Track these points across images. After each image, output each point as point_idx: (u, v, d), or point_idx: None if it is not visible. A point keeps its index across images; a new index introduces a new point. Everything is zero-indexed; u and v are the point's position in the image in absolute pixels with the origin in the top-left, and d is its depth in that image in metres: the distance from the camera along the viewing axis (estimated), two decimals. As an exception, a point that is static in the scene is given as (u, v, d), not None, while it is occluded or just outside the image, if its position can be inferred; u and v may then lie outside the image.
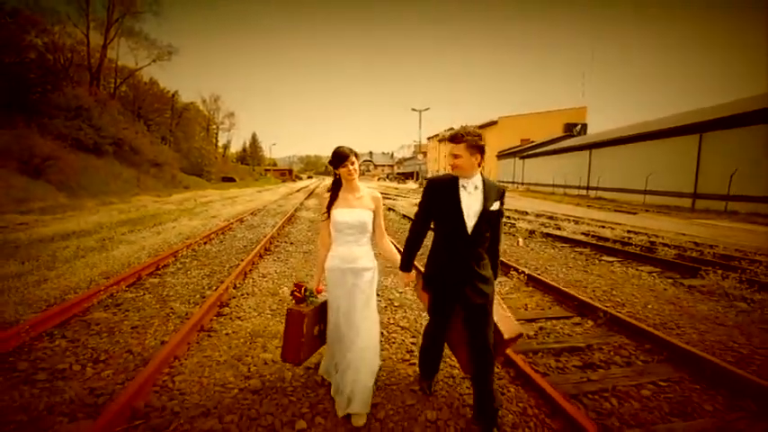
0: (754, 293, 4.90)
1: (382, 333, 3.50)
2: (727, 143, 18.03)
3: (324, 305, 2.56)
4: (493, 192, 2.20)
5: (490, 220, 2.20)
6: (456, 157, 2.13)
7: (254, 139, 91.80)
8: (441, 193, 2.21)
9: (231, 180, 52.48)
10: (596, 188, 27.72)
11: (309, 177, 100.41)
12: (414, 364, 3.05)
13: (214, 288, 4.97)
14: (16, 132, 22.60)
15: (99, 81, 37.05)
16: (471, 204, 2.15)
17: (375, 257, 2.54)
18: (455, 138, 2.14)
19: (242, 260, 6.40)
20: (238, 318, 4.02)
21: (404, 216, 13.27)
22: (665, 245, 8.10)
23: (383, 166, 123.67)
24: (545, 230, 9.98)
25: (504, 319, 2.40)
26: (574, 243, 8.53)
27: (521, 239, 8.90)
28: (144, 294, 4.75)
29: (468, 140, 2.10)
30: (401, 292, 4.88)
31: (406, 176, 79.20)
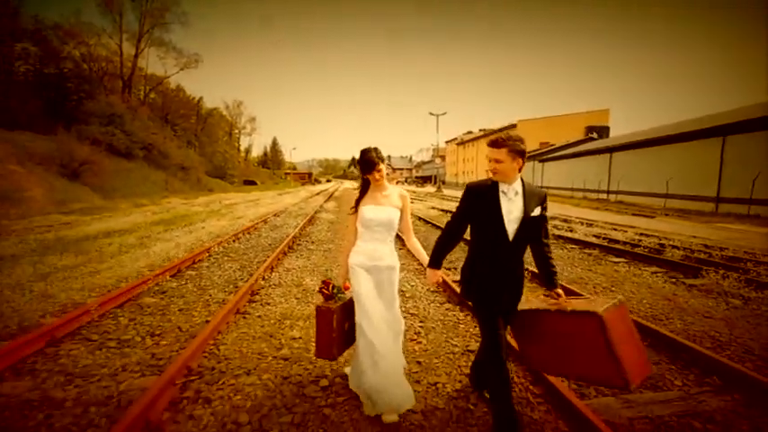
0: (750, 292, 5.14)
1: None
2: (750, 147, 17.72)
3: (352, 301, 2.57)
4: (534, 197, 2.16)
5: (532, 226, 2.16)
6: (497, 162, 2.08)
7: (274, 144, 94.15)
8: (480, 199, 2.16)
9: (253, 183, 54.01)
10: (617, 192, 27.43)
11: (328, 181, 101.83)
12: (420, 342, 3.52)
13: (245, 279, 5.56)
14: (57, 138, 24.20)
15: (130, 89, 39.06)
16: (512, 210, 2.11)
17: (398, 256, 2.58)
18: (496, 143, 2.09)
19: (268, 256, 6.99)
20: (268, 304, 4.58)
21: (419, 218, 13.69)
22: (674, 247, 8.29)
23: (401, 169, 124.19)
24: (557, 233, 10.24)
25: (585, 302, 2.21)
26: (584, 245, 8.79)
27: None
28: (185, 283, 5.39)
29: (510, 145, 2.05)
30: (412, 285, 5.34)
31: (425, 180, 79.39)
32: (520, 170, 2.12)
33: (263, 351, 3.33)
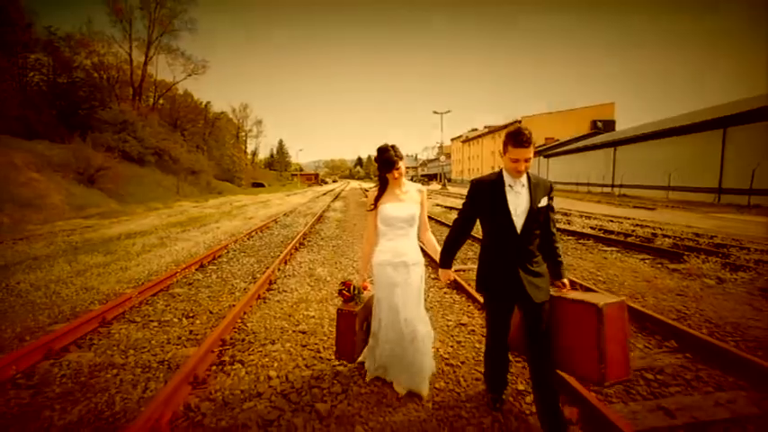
0: (726, 273, 5.57)
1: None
2: (750, 138, 17.92)
3: (371, 301, 2.60)
4: (540, 188, 2.18)
5: (539, 216, 2.17)
6: (527, 161, 2.07)
7: (280, 146, 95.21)
8: (487, 194, 2.19)
9: (260, 185, 54.93)
10: (620, 185, 27.66)
11: (335, 181, 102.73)
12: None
13: (263, 271, 6.12)
14: (73, 146, 25.11)
15: (140, 96, 40.04)
16: (519, 203, 2.14)
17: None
18: (526, 141, 2.04)
19: (281, 251, 7.55)
20: (285, 291, 5.13)
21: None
22: (666, 236, 8.69)
23: (408, 168, 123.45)
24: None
25: (590, 296, 2.19)
26: (579, 236, 9.22)
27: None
28: (209, 275, 5.98)
29: (533, 142, 2.07)
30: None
31: (431, 178, 79.74)
32: None
33: (283, 327, 3.87)
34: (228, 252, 7.82)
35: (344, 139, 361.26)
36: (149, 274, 6.16)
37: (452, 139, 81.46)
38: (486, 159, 60.91)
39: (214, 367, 3.09)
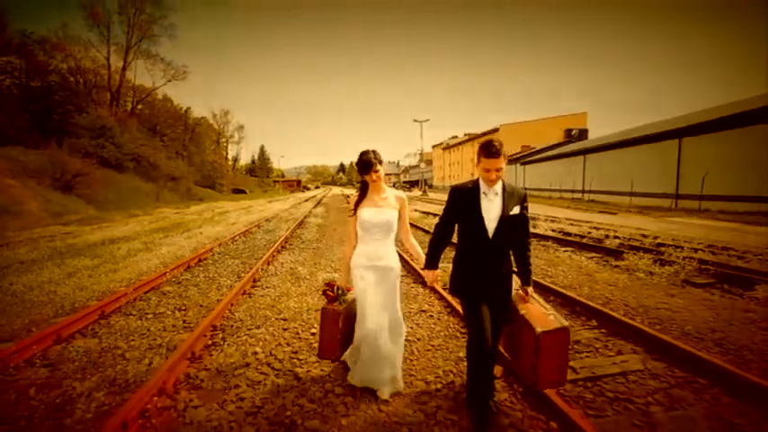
0: (655, 268, 6.40)
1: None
2: (702, 147, 19.45)
3: (354, 303, 2.68)
4: (513, 197, 2.32)
5: (511, 224, 2.31)
6: (498, 170, 2.21)
7: (262, 152, 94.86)
8: (463, 200, 2.34)
9: (242, 192, 54.69)
10: (590, 191, 29.18)
11: (317, 187, 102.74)
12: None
13: (247, 271, 6.63)
14: (49, 152, 24.79)
15: (118, 101, 39.57)
16: (491, 209, 2.28)
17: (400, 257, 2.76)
18: (497, 152, 2.18)
19: (264, 254, 8.05)
20: (268, 287, 5.67)
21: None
22: (616, 237, 9.62)
23: (389, 174, 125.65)
24: (521, 228, 11.49)
25: (538, 315, 2.36)
26: (541, 237, 10.05)
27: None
28: (197, 275, 6.45)
29: (504, 152, 2.20)
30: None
31: (412, 185, 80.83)
32: None
33: (267, 315, 4.42)
34: (214, 255, 8.27)
35: (327, 146, 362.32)
36: (139, 274, 6.58)
37: (434, 146, 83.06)
38: (465, 166, 62.47)
39: (208, 347, 3.62)
